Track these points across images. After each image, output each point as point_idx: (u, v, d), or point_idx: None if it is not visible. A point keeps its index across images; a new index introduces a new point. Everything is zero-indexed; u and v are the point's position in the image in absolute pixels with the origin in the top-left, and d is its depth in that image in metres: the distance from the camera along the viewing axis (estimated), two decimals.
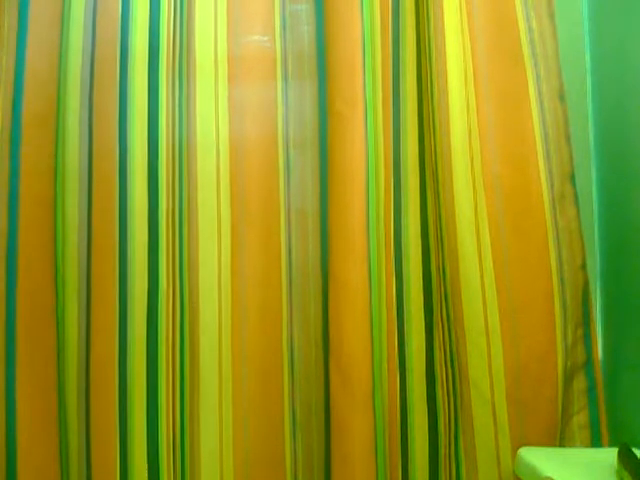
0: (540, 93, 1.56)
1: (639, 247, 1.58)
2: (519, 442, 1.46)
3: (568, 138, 1.59)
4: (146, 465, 1.46)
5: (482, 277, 1.48)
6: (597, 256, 1.76)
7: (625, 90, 1.66)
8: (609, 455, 1.30)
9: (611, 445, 1.55)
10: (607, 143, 1.74)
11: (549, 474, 1.26)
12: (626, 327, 1.64)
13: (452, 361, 1.52)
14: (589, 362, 1.57)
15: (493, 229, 1.50)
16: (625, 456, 1.25)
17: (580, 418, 1.56)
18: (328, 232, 1.53)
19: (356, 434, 1.47)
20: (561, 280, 1.53)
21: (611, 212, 1.73)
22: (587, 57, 1.81)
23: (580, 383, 1.57)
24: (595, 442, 1.56)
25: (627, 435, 1.57)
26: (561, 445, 1.53)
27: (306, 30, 1.62)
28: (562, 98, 1.58)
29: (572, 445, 1.54)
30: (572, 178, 1.59)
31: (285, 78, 1.59)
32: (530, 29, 1.57)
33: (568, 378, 1.53)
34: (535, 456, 1.35)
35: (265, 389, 1.51)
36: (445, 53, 1.52)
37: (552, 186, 1.54)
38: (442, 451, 1.53)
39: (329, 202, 1.53)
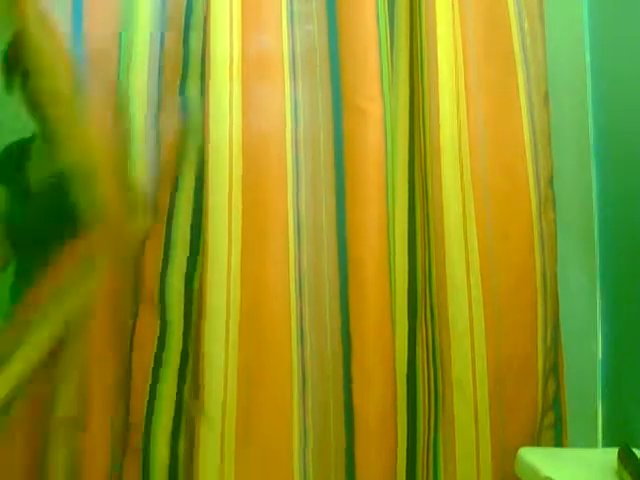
0: (530, 97, 1.55)
1: (639, 247, 1.58)
2: (499, 441, 1.46)
3: (550, 142, 1.59)
4: None
5: (469, 279, 1.48)
6: (597, 256, 1.76)
7: (625, 90, 1.66)
8: (609, 455, 1.30)
9: (611, 445, 1.55)
10: (607, 143, 1.74)
11: (549, 474, 1.26)
12: (626, 327, 1.64)
13: (434, 361, 1.51)
14: (556, 364, 1.58)
15: (481, 233, 1.49)
16: (625, 456, 1.25)
17: (548, 418, 1.57)
18: (346, 233, 1.49)
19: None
20: (544, 284, 1.53)
21: (611, 212, 1.73)
22: (587, 57, 1.81)
23: (552, 384, 1.57)
24: (557, 442, 1.58)
25: (627, 435, 1.57)
26: (537, 444, 1.53)
27: (316, 28, 1.59)
28: (546, 102, 1.58)
29: (540, 444, 1.55)
30: (552, 182, 1.59)
31: (294, 76, 1.56)
32: (522, 32, 1.56)
33: (545, 379, 1.54)
34: (535, 456, 1.35)
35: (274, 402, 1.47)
36: (437, 58, 1.50)
37: (539, 190, 1.54)
38: (420, 450, 1.51)
39: (346, 199, 1.50)
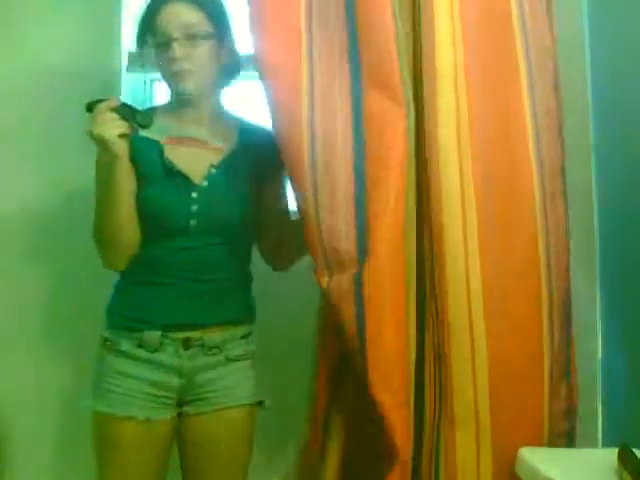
0: (532, 83, 1.51)
1: (639, 248, 1.59)
2: (502, 447, 1.43)
3: (561, 130, 1.54)
4: None
5: (468, 279, 1.45)
6: (597, 256, 1.76)
7: (625, 89, 1.66)
8: (609, 455, 1.30)
9: (611, 445, 1.55)
10: (607, 142, 1.75)
11: (549, 474, 1.26)
12: (626, 327, 1.64)
13: (440, 364, 1.49)
14: (568, 369, 1.55)
15: (482, 230, 1.46)
16: (625, 456, 1.25)
17: (560, 426, 1.53)
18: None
19: None
20: (548, 283, 1.49)
21: (611, 211, 1.73)
22: (587, 58, 1.82)
23: (564, 390, 1.54)
24: None
25: (627, 435, 1.57)
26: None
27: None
28: (556, 89, 1.55)
29: None
30: (562, 172, 1.53)
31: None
32: (523, 19, 1.53)
33: (553, 383, 1.51)
34: (535, 456, 1.35)
35: None
36: (434, 50, 1.48)
37: (543, 181, 1.50)
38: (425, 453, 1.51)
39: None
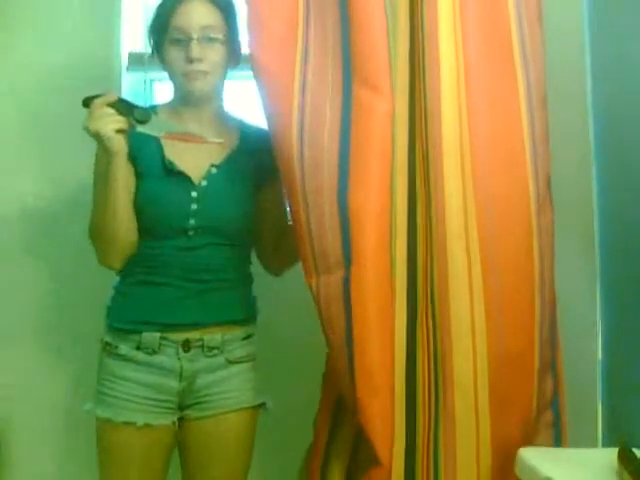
0: (530, 99, 1.55)
1: (639, 248, 1.59)
2: (498, 439, 1.45)
3: (548, 142, 1.58)
4: None
5: (470, 279, 1.48)
6: (597, 256, 1.76)
7: (625, 91, 1.66)
8: (609, 455, 1.30)
9: (611, 445, 1.55)
10: (607, 144, 1.75)
11: (549, 474, 1.26)
12: (626, 327, 1.64)
13: (435, 360, 1.51)
14: (554, 361, 1.58)
15: (482, 232, 1.49)
16: (625, 456, 1.25)
17: (546, 416, 1.56)
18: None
19: None
20: (541, 280, 1.53)
21: (611, 213, 1.73)
22: (587, 58, 1.82)
23: (549, 382, 1.57)
24: (557, 441, 1.56)
25: (627, 435, 1.57)
26: (531, 442, 1.53)
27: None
28: (544, 105, 1.57)
29: (538, 442, 1.54)
30: (550, 182, 1.58)
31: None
32: (522, 34, 1.55)
33: (541, 375, 1.54)
34: (535, 456, 1.35)
35: None
36: (439, 60, 1.50)
37: (537, 190, 1.54)
38: (420, 449, 1.52)
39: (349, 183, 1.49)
